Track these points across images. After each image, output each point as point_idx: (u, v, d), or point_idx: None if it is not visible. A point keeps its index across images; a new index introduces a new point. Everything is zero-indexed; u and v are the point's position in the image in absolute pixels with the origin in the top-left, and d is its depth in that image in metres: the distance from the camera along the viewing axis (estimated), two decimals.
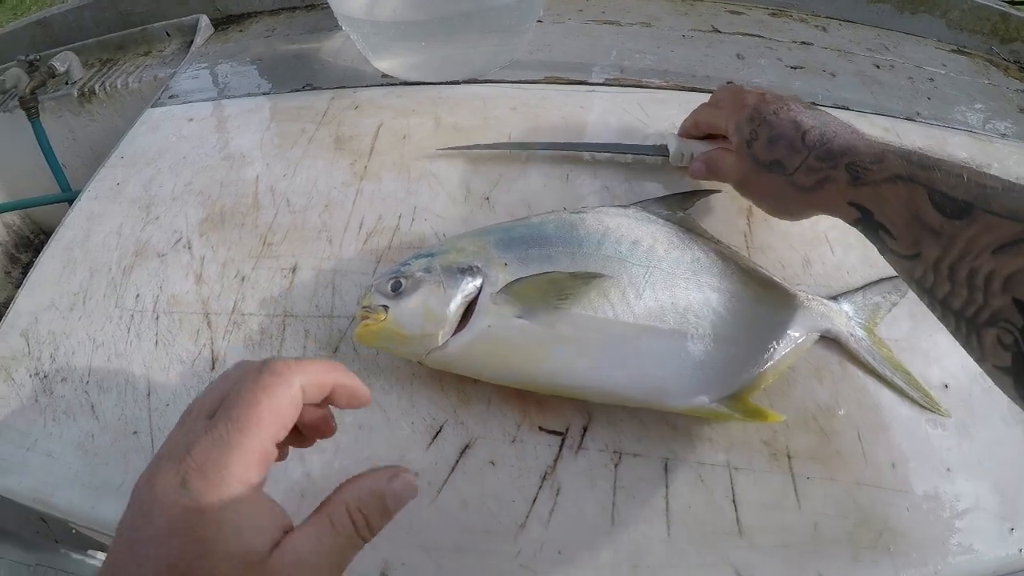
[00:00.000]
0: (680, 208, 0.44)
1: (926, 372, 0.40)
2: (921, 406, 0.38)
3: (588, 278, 0.35)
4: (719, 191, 0.47)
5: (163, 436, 0.37)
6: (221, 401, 0.25)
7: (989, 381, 0.38)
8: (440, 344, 0.35)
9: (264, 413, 0.24)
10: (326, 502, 0.26)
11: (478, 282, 0.36)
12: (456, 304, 0.35)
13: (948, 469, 0.36)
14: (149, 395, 0.40)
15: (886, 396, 0.39)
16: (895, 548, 0.33)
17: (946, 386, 0.39)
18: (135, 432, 0.38)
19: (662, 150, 0.49)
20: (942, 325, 0.32)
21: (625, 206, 0.43)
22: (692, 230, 0.42)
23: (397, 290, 0.36)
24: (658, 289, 0.37)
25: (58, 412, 0.39)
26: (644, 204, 0.43)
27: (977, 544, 0.34)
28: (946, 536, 0.34)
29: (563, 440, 0.36)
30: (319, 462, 0.35)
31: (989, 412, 0.39)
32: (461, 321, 0.36)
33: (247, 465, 0.23)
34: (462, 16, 0.52)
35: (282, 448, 0.27)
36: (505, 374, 0.35)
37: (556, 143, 0.52)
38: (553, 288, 0.35)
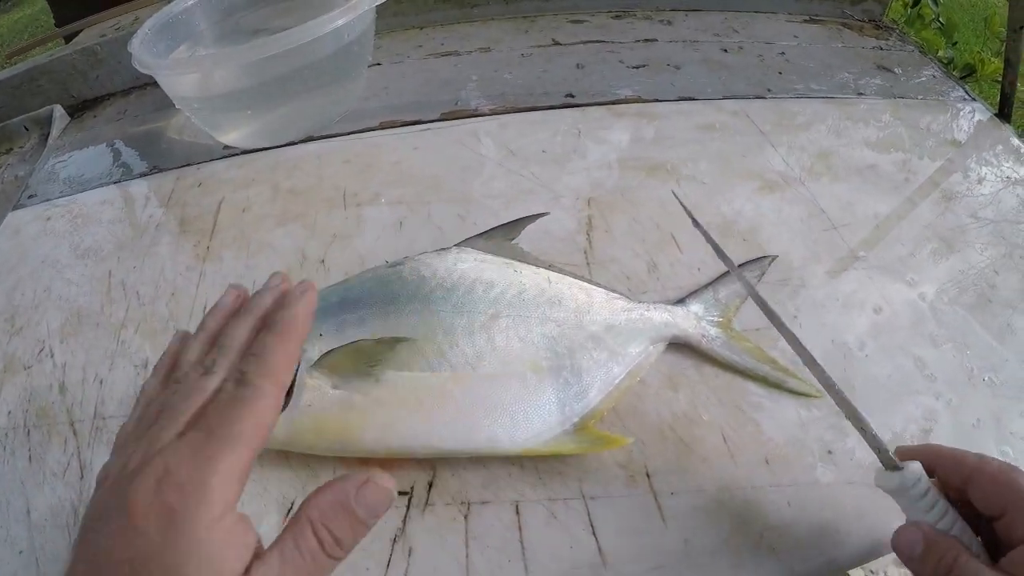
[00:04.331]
0: (506, 239, 0.44)
1: (794, 355, 0.39)
2: (792, 392, 0.37)
3: (392, 343, 0.36)
4: (547, 213, 0.47)
5: (45, 552, 0.39)
6: (191, 414, 0.24)
7: (862, 351, 0.37)
8: None
9: (247, 427, 0.23)
10: (293, 520, 0.24)
11: None
12: None
13: (829, 452, 0.35)
14: (29, 512, 0.40)
15: (752, 391, 0.38)
16: (780, 546, 0.32)
17: None
18: (20, 552, 0.38)
19: (885, 460, 0.29)
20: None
21: (446, 248, 0.42)
22: (520, 260, 0.42)
23: None
24: (475, 334, 0.37)
25: None
26: (468, 241, 0.43)
27: (872, 523, 0.33)
28: (837, 521, 0.33)
29: (409, 499, 0.36)
30: None
31: (865, 382, 0.38)
32: (289, 399, 0.36)
33: (229, 482, 0.22)
34: (279, 79, 0.52)
35: None
36: (334, 445, 0.36)
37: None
38: (362, 356, 0.35)
